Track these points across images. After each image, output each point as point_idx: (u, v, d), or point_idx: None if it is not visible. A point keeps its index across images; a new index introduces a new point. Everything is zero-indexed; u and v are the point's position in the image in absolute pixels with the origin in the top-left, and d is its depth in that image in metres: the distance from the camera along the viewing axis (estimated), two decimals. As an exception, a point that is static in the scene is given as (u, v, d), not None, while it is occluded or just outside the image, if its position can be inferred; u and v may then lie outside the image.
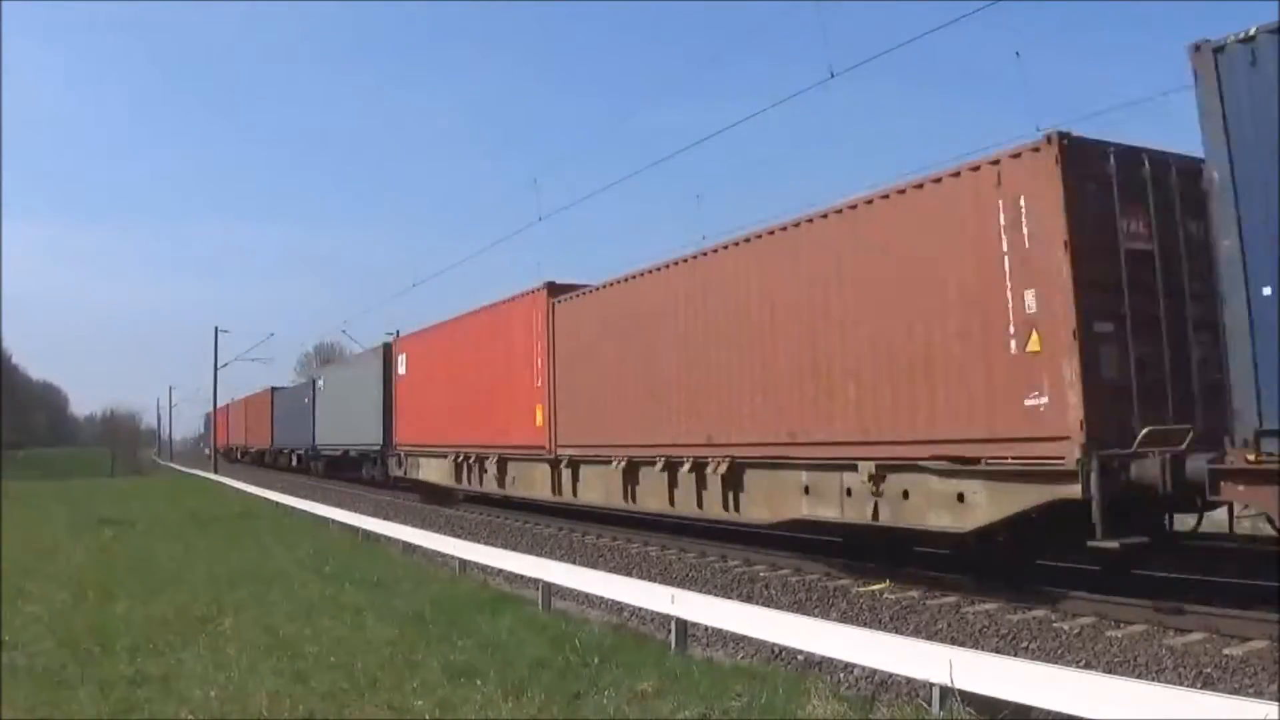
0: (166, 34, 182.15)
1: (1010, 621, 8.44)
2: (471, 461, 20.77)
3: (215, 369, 54.10)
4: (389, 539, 15.35)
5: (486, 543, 13.67)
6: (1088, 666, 6.79)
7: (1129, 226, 8.31)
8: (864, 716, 5.59)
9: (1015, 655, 7.04)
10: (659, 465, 13.68)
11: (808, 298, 10.92)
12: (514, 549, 12.80)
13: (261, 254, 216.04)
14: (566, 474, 16.67)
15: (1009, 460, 8.49)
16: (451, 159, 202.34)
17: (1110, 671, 6.57)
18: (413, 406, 24.95)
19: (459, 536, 14.63)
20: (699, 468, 12.82)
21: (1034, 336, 8.28)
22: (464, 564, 12.01)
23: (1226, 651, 7.04)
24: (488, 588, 10.83)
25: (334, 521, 18.58)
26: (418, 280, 73.91)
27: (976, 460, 8.75)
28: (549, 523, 18.42)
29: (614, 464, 14.86)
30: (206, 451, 68.27)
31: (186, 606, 9.48)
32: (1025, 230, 8.38)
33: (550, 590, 9.60)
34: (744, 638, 7.52)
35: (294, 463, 42.95)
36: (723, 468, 12.24)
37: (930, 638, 7.60)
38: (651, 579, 10.49)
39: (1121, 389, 8.03)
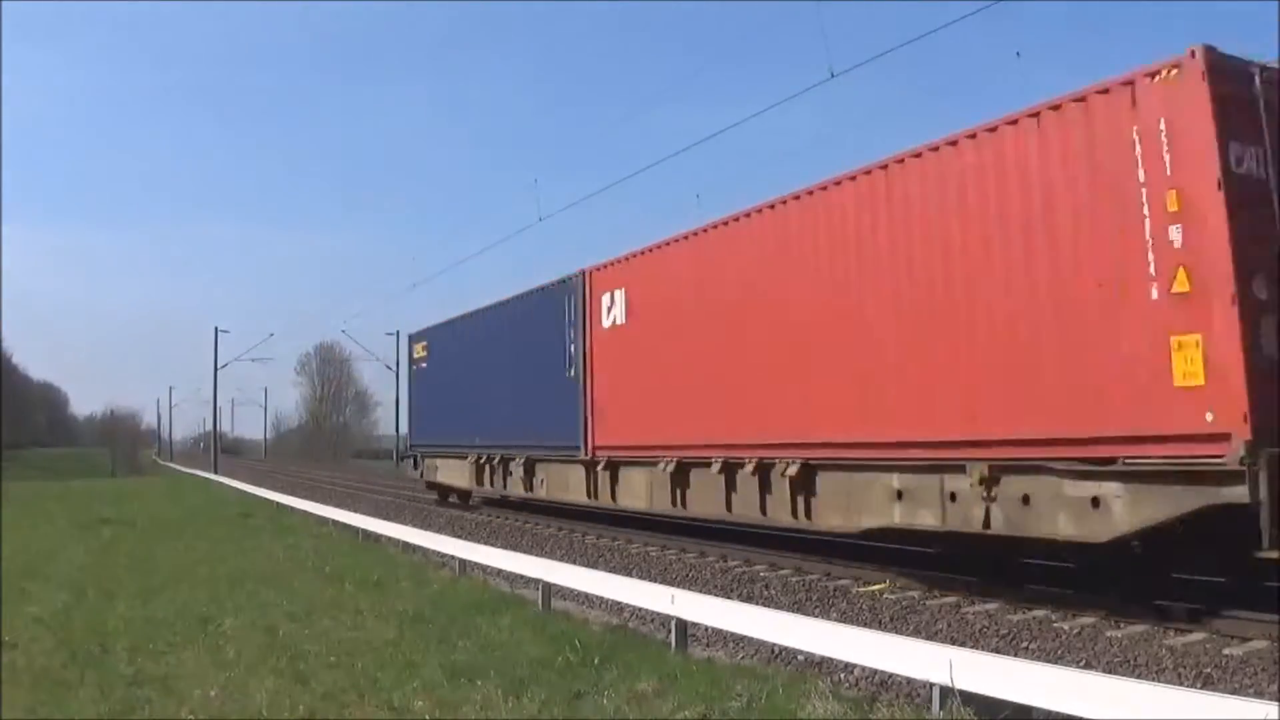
0: (165, 35, 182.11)
1: (1010, 621, 8.44)
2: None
3: (215, 369, 54.25)
4: (389, 539, 15.36)
5: (486, 543, 13.66)
6: (1088, 666, 6.79)
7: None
8: (864, 716, 5.58)
9: (1015, 655, 7.03)
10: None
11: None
12: (514, 549, 12.80)
13: (261, 254, 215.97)
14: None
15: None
16: (452, 159, 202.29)
17: (1110, 671, 6.56)
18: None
19: (459, 536, 14.63)
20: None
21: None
22: (464, 564, 12.01)
23: (1226, 651, 7.04)
24: (488, 588, 10.83)
25: (334, 521, 18.58)
26: (418, 280, 74.18)
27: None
28: (549, 523, 18.44)
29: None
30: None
31: (186, 606, 9.48)
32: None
33: (550, 590, 9.59)
34: (744, 638, 7.51)
35: None
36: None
37: (930, 638, 7.60)
38: (651, 579, 10.50)
39: None
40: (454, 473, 22.33)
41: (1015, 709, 5.01)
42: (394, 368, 59.53)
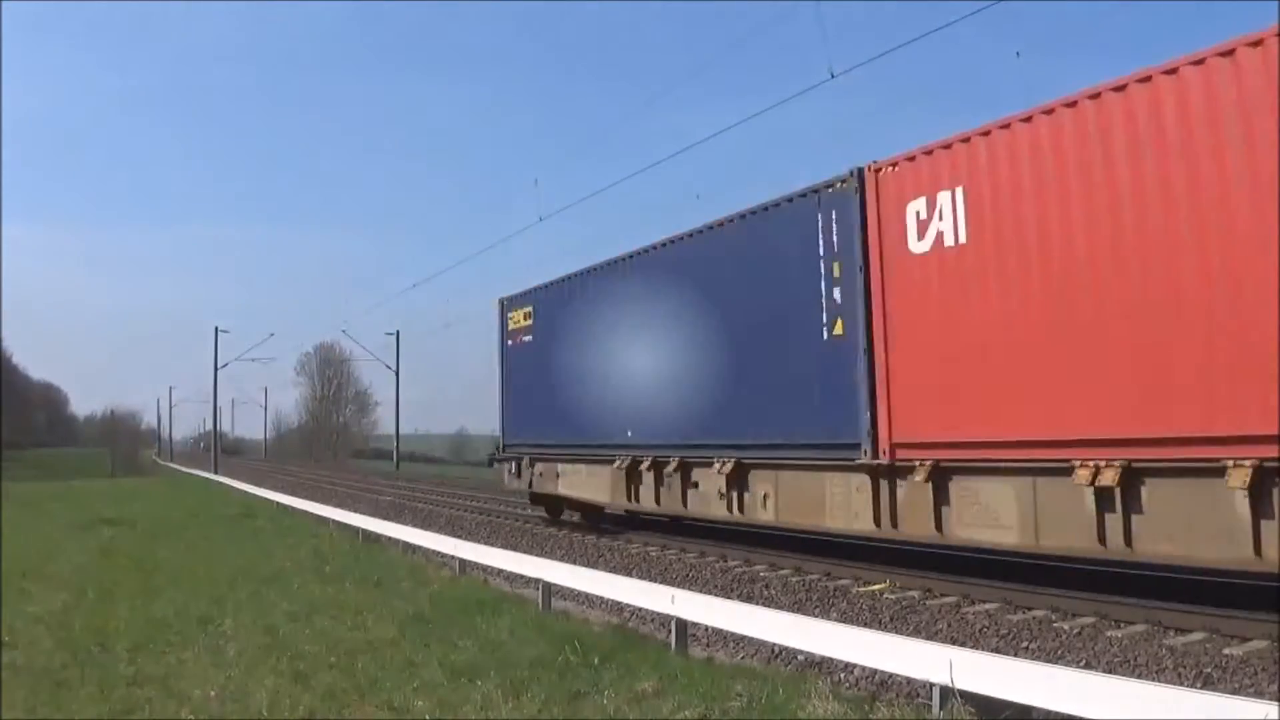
0: (165, 33, 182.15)
1: (1010, 621, 8.44)
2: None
3: (215, 369, 54.37)
4: (389, 539, 15.36)
5: (486, 543, 13.67)
6: (1088, 666, 6.79)
7: None
8: (864, 716, 5.58)
9: (1015, 655, 7.03)
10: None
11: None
12: (514, 549, 12.80)
13: (261, 254, 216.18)
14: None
15: None
16: (452, 159, 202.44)
17: (1110, 671, 6.56)
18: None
19: (459, 536, 14.63)
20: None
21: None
22: (464, 564, 12.01)
23: (1226, 651, 7.04)
24: (488, 588, 10.84)
25: (334, 521, 18.58)
26: (418, 280, 74.17)
27: None
28: (548, 522, 18.42)
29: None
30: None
31: (186, 606, 9.48)
32: None
33: (550, 590, 9.60)
34: (744, 638, 7.51)
35: None
36: None
37: (930, 638, 7.60)
38: (651, 579, 10.50)
39: None
40: (584, 482, 16.39)
41: (1015, 709, 5.01)
42: (393, 367, 59.81)
